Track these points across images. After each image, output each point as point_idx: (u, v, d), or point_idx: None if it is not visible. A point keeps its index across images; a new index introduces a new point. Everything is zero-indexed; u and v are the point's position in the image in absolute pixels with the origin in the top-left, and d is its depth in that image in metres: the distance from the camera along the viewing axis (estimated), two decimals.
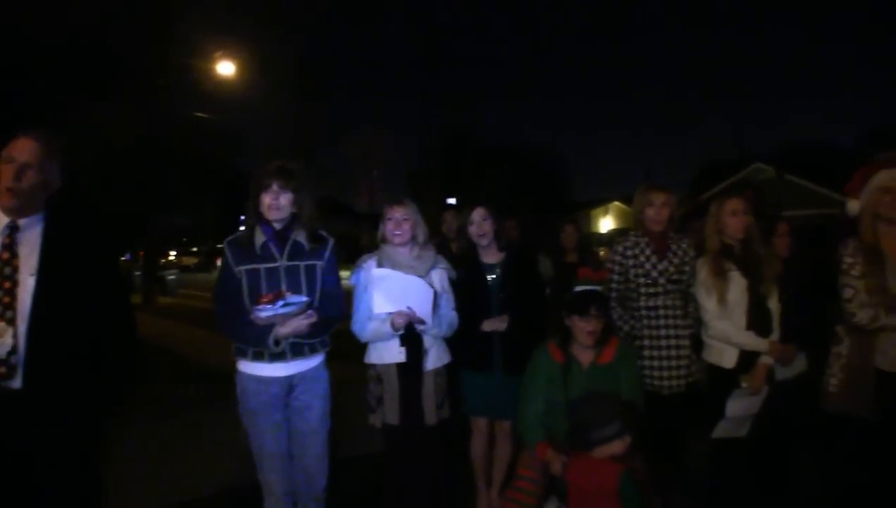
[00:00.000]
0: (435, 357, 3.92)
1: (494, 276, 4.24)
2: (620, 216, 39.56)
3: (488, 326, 4.12)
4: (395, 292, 3.70)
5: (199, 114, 21.96)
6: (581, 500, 3.16)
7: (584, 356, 3.67)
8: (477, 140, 41.16)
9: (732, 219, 3.95)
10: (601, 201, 42.85)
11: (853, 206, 3.93)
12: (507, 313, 4.12)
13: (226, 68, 19.61)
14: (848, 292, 3.76)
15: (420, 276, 3.82)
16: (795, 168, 25.25)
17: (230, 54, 19.47)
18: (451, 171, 36.80)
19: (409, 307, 3.69)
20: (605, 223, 41.30)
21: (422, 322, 3.75)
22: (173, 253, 55.86)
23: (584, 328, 3.60)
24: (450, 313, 3.98)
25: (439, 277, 3.98)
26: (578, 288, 3.75)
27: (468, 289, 4.17)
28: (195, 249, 57.42)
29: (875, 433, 3.77)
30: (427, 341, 3.88)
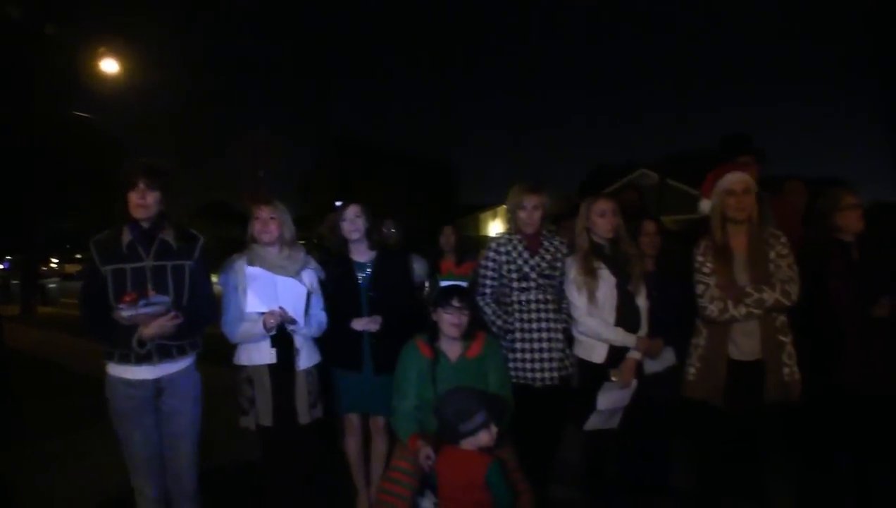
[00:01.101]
0: (306, 357, 3.94)
1: (364, 275, 4.29)
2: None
3: (359, 325, 4.15)
4: (268, 292, 3.69)
5: (81, 114, 21.10)
6: (450, 492, 3.21)
7: (452, 350, 3.75)
8: (368, 145, 41.15)
9: (601, 220, 4.12)
10: (490, 205, 43.28)
11: (705, 205, 4.16)
12: (377, 313, 4.17)
13: (110, 66, 18.85)
14: (700, 288, 3.99)
15: (291, 276, 3.84)
16: (680, 175, 26.17)
17: (115, 52, 18.73)
18: (341, 175, 36.62)
19: (280, 307, 3.69)
20: (494, 227, 41.64)
21: (293, 322, 3.77)
22: (55, 260, 53.25)
23: (448, 320, 3.68)
24: (319, 314, 4.03)
25: (309, 277, 4.01)
26: (443, 283, 3.83)
27: (338, 287, 4.21)
28: (79, 255, 54.87)
29: (726, 418, 4.01)
30: (298, 341, 3.90)
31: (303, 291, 3.79)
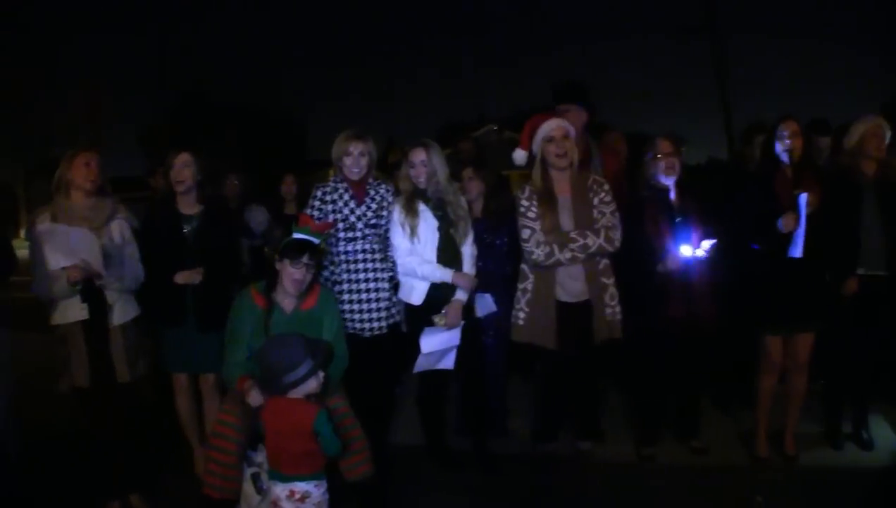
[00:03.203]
0: (121, 312, 3.81)
1: (190, 227, 4.15)
2: None
3: (181, 278, 4.02)
4: (65, 246, 3.54)
5: None
6: (278, 442, 3.16)
7: (287, 301, 3.68)
8: (213, 99, 39.47)
9: (413, 171, 4.19)
10: None
11: (519, 156, 4.34)
12: (201, 266, 4.04)
13: None
14: (526, 233, 4.13)
15: (96, 227, 3.70)
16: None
17: None
18: (184, 129, 34.99)
19: (82, 260, 3.53)
20: None
21: (99, 276, 3.62)
22: None
23: (292, 274, 3.60)
24: (134, 266, 3.90)
25: (119, 227, 3.86)
26: (296, 234, 3.71)
27: (161, 239, 4.07)
28: None
29: (557, 358, 4.20)
30: (111, 295, 3.76)
31: (95, 240, 3.62)
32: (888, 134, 4.40)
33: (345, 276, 4.10)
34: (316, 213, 4.14)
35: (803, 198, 4.05)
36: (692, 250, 4.08)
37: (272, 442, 3.20)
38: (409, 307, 4.23)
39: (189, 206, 4.17)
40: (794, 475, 4.27)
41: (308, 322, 3.66)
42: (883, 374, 4.72)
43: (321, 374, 3.19)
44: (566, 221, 4.09)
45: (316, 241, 3.74)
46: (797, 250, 4.09)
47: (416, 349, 4.08)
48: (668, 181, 4.25)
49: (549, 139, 4.10)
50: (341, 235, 4.11)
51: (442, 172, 4.19)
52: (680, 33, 21.54)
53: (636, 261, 4.22)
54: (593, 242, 4.00)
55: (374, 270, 4.13)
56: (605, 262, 4.17)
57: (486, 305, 4.50)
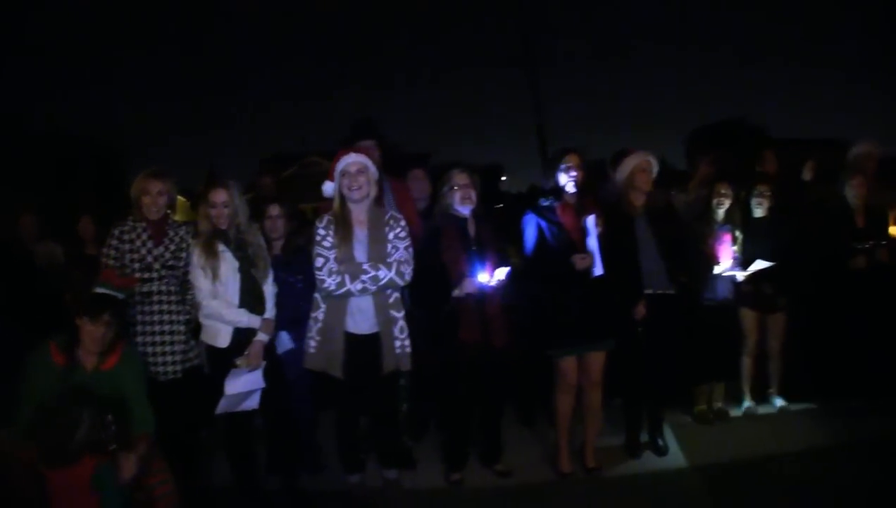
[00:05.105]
0: None
1: None
2: (180, 210, 38.27)
3: None
4: None
5: None
6: (61, 496, 3.04)
7: (89, 360, 3.55)
8: (24, 125, 36.98)
9: (213, 211, 4.19)
10: None
11: (327, 188, 4.44)
12: None
13: None
14: (319, 262, 4.20)
15: None
16: None
17: None
18: None
19: None
20: None
21: None
22: None
23: (92, 332, 3.48)
24: None
25: None
26: (98, 289, 3.56)
27: None
28: None
29: (345, 388, 4.27)
30: None
31: None
32: (655, 169, 4.90)
33: (139, 317, 4.06)
34: (112, 253, 4.06)
35: (590, 220, 4.43)
36: (488, 276, 4.30)
37: (57, 499, 3.08)
38: (211, 350, 4.20)
39: None
40: (596, 486, 4.55)
41: (109, 382, 3.53)
42: (673, 383, 5.15)
43: (109, 417, 3.11)
44: (360, 252, 4.19)
45: (120, 296, 3.63)
46: (598, 269, 4.44)
47: (221, 392, 4.05)
48: (465, 211, 4.49)
49: (344, 173, 4.22)
50: (137, 275, 4.05)
51: (243, 212, 4.23)
52: (498, 64, 22.36)
53: (432, 288, 4.40)
54: (385, 275, 4.12)
55: (170, 312, 4.10)
56: (395, 295, 4.29)
57: (283, 343, 4.56)
